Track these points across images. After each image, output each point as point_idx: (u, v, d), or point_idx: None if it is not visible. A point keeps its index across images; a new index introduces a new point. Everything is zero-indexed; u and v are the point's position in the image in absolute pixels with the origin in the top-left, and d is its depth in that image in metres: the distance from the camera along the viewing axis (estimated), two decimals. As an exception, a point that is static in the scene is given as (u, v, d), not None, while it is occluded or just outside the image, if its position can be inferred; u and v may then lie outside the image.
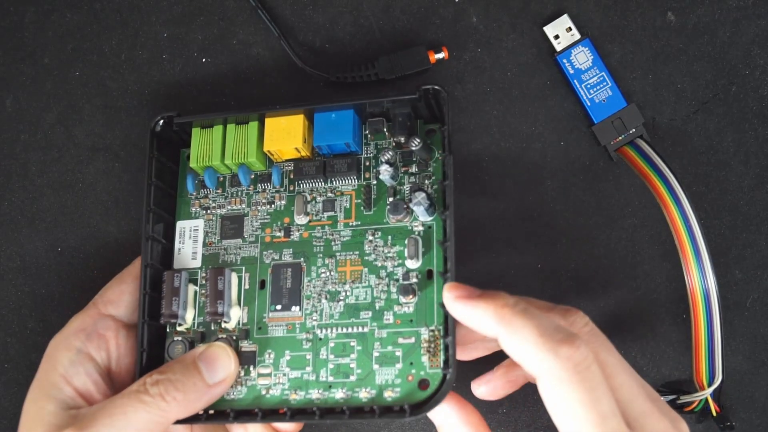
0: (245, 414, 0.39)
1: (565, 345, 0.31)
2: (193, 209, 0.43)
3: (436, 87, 0.39)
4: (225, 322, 0.41)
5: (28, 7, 0.46)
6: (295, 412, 0.39)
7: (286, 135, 0.41)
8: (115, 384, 0.40)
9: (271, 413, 0.40)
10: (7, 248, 0.46)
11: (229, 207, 0.43)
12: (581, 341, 0.31)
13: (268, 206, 0.43)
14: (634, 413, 0.32)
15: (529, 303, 0.34)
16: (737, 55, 0.45)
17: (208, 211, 0.43)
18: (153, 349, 0.41)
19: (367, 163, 0.42)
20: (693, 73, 0.45)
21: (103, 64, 0.46)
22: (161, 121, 0.42)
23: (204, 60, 0.46)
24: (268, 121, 0.42)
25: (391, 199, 0.41)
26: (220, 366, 0.38)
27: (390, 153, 0.41)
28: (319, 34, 0.46)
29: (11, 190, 0.46)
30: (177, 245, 0.43)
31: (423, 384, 0.39)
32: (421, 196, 0.39)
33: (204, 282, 0.42)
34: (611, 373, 0.32)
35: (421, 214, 0.40)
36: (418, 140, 0.40)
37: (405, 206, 0.40)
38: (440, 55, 0.44)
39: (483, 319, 0.33)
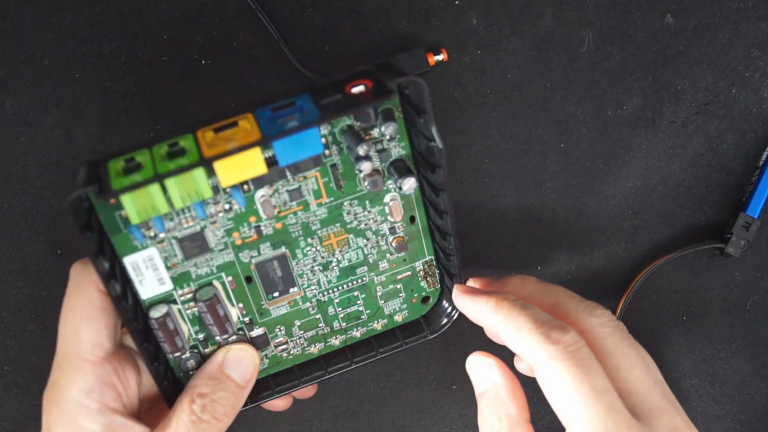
0: (286, 382, 0.42)
1: (555, 330, 0.33)
2: (136, 242, 0.37)
3: (416, 79, 0.34)
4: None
5: (28, 9, 0.46)
6: (328, 357, 0.42)
7: (244, 170, 0.34)
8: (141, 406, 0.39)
9: (306, 367, 0.42)
10: (7, 250, 0.46)
11: (181, 228, 0.37)
12: (570, 328, 0.33)
13: (226, 213, 0.37)
14: (645, 406, 0.33)
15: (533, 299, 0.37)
16: (737, 57, 0.45)
17: (156, 238, 0.37)
18: (160, 365, 0.39)
19: (324, 141, 0.37)
20: (693, 75, 0.45)
21: (103, 66, 0.46)
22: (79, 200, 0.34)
23: (204, 62, 0.46)
24: (218, 165, 0.33)
25: (363, 173, 0.38)
26: (245, 366, 0.40)
27: (365, 147, 0.36)
28: (319, 37, 0.46)
29: (11, 193, 0.46)
30: (135, 279, 0.37)
31: (425, 300, 0.42)
32: (412, 183, 0.37)
33: (201, 315, 0.39)
34: (628, 364, 0.34)
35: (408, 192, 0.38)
36: (394, 126, 0.37)
37: (382, 180, 0.38)
38: (440, 57, 0.44)
39: (483, 311, 0.36)
